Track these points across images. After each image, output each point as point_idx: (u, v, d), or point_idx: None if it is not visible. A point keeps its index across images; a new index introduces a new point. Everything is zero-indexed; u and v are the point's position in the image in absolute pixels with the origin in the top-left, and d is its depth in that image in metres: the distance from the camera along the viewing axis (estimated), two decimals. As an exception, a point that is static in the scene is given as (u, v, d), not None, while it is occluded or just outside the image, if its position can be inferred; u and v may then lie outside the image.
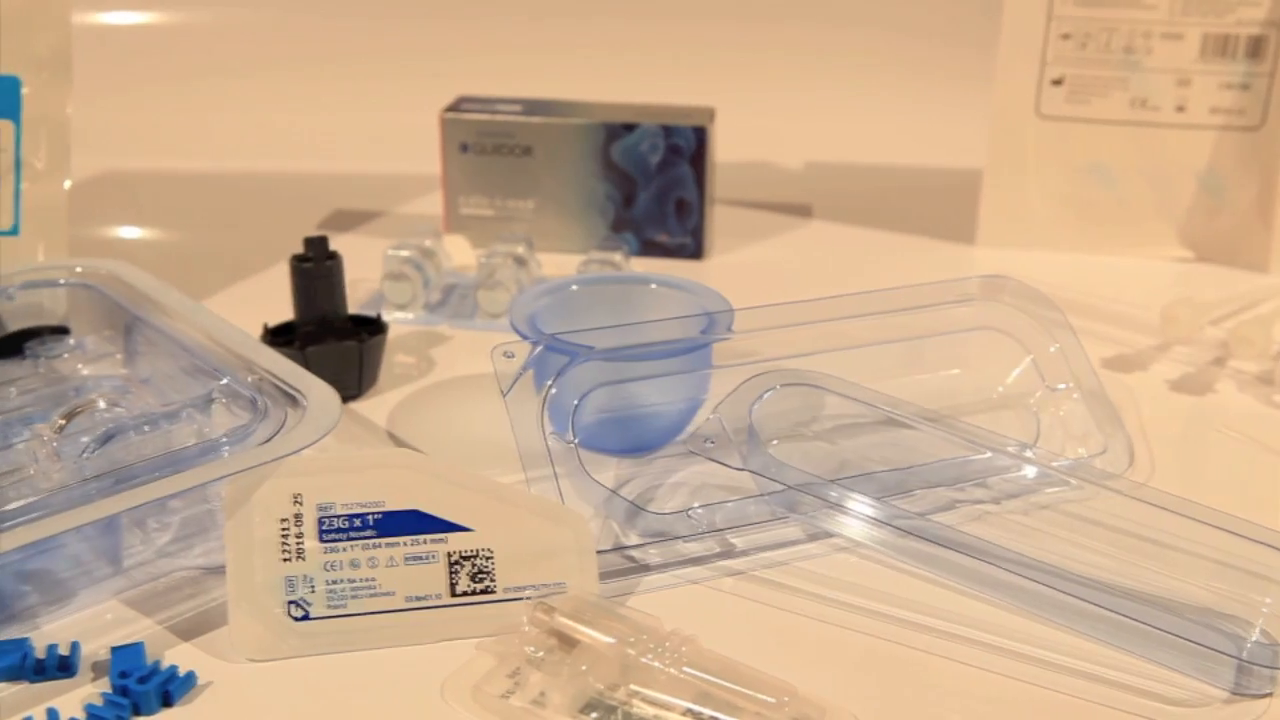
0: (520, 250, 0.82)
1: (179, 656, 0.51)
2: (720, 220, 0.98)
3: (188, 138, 1.22)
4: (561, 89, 0.99)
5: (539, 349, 0.60)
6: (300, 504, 0.53)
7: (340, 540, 0.53)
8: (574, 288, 0.69)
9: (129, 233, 1.02)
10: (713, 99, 0.96)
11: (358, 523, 0.53)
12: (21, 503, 0.52)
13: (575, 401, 0.59)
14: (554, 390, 0.59)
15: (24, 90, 0.76)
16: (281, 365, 0.60)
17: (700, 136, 0.88)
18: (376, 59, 1.28)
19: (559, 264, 0.88)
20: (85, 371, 0.68)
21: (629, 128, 0.89)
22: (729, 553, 0.59)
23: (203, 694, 0.49)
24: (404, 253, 0.82)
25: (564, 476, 0.58)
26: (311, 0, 1.31)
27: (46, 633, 0.52)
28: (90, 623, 0.53)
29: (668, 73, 1.24)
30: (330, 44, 1.31)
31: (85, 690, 0.49)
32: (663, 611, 0.52)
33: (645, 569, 0.57)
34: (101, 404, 0.60)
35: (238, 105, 1.23)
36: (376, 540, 0.53)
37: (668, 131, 0.89)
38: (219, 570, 0.57)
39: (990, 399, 0.69)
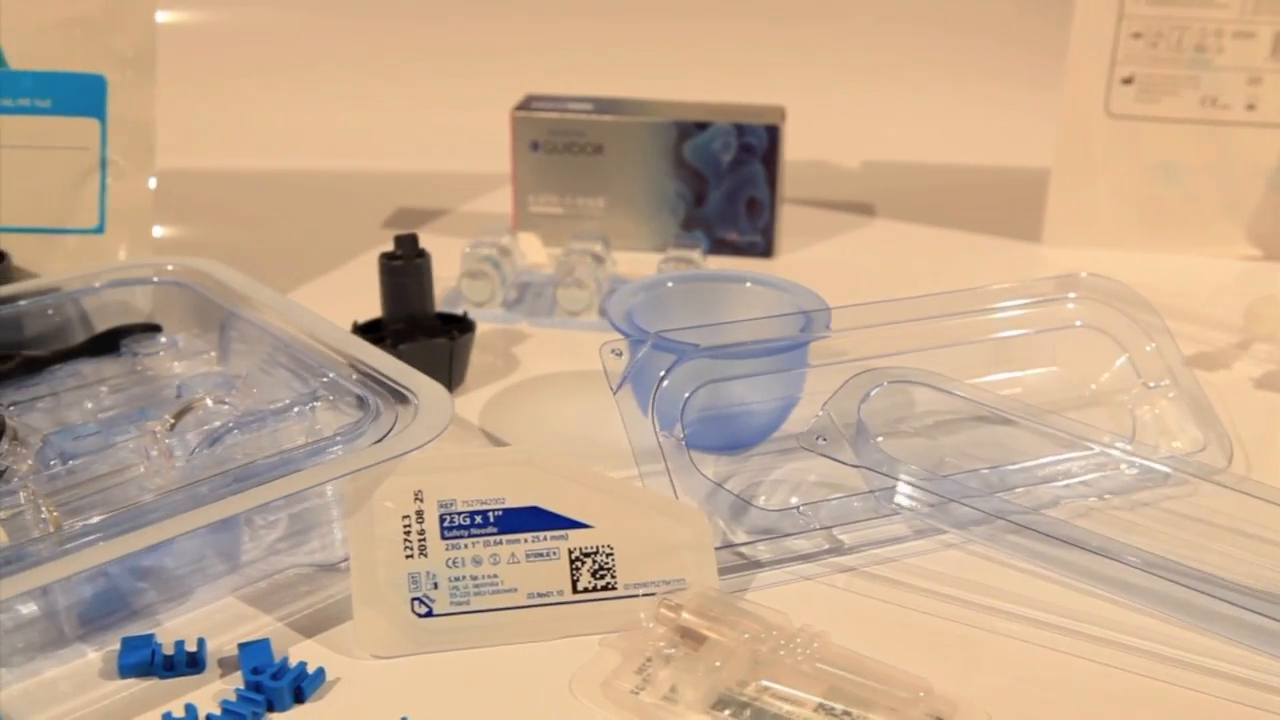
0: (598, 248, 0.82)
1: (302, 653, 0.51)
2: (785, 219, 0.98)
3: (250, 136, 1.22)
4: (616, 87, 0.99)
5: (647, 347, 0.60)
6: (421, 501, 0.53)
7: (462, 537, 0.53)
8: (669, 284, 0.69)
9: (192, 232, 1.02)
10: (771, 97, 0.97)
11: (479, 520, 0.53)
12: (147, 500, 0.52)
13: (686, 395, 0.59)
14: (662, 387, 0.59)
15: (109, 89, 0.76)
16: (387, 362, 0.60)
17: (773, 135, 0.88)
18: (433, 58, 1.29)
19: (631, 262, 0.89)
20: (178, 369, 0.69)
21: (701, 126, 0.89)
22: (838, 549, 0.59)
23: (332, 690, 0.49)
24: (482, 250, 0.82)
25: (664, 474, 0.58)
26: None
27: (167, 629, 0.53)
28: (210, 619, 0.53)
29: (724, 70, 1.24)
30: (387, 43, 1.31)
31: (215, 686, 0.49)
32: (779, 607, 0.52)
33: (756, 565, 0.57)
34: (209, 402, 0.61)
35: (297, 103, 1.23)
36: (498, 537, 0.53)
37: (740, 130, 0.89)
38: (331, 567, 0.57)
39: (1082, 396, 0.69)
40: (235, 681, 0.50)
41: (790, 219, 0.99)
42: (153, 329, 0.70)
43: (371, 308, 0.73)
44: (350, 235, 0.97)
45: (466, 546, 0.53)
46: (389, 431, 0.55)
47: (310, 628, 0.53)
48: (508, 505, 0.53)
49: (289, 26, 1.30)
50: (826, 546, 0.59)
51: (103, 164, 0.76)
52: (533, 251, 0.88)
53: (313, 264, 0.91)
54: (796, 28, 1.29)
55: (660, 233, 0.92)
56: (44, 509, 0.51)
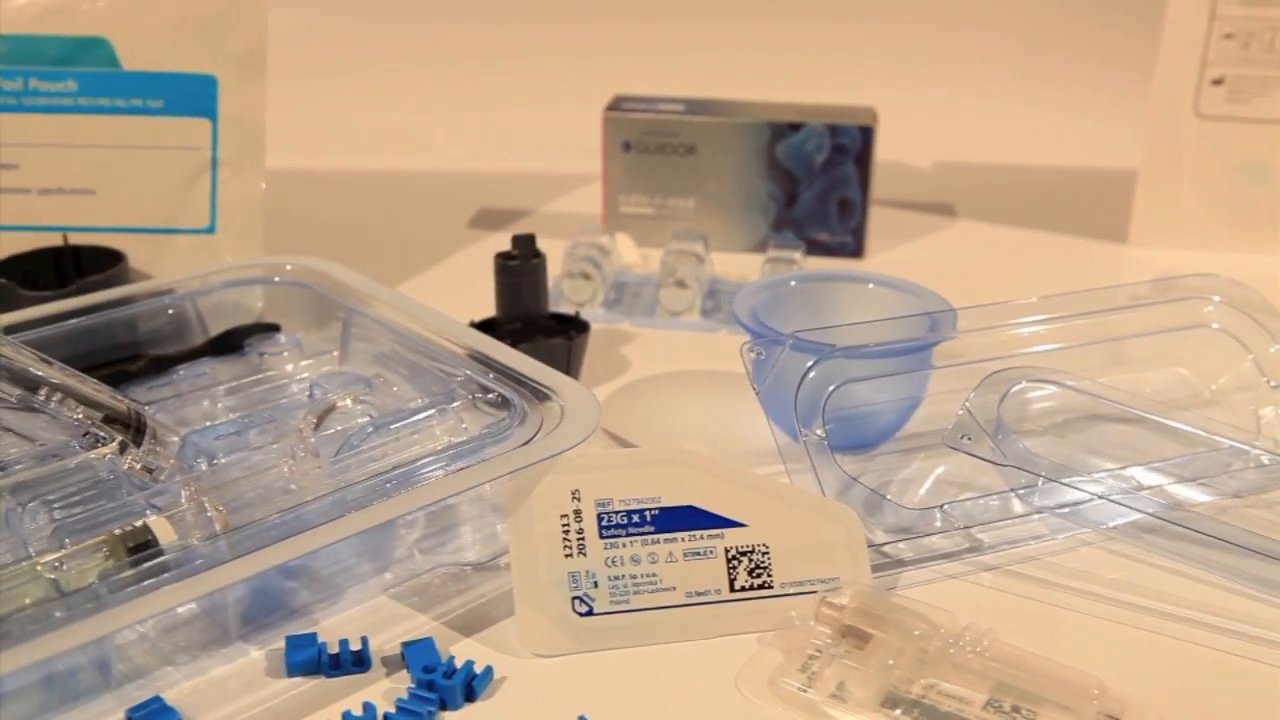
0: (698, 248, 0.82)
1: (461, 652, 0.51)
2: (871, 219, 0.98)
3: (330, 136, 1.22)
4: (686, 88, 1.00)
5: (785, 348, 0.60)
6: (579, 500, 0.53)
7: (620, 536, 0.53)
8: (791, 284, 0.69)
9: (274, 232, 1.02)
10: (851, 97, 0.97)
11: (636, 518, 0.53)
12: (310, 500, 0.52)
13: (828, 392, 0.59)
14: (800, 387, 0.59)
15: (220, 89, 0.76)
16: (523, 361, 0.60)
17: (867, 136, 0.89)
18: (508, 59, 1.29)
19: (724, 262, 0.88)
20: (302, 369, 0.69)
21: (794, 127, 0.89)
22: (977, 548, 0.59)
23: (501, 688, 0.49)
24: (581, 250, 0.82)
25: (801, 472, 0.58)
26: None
27: (323, 629, 0.53)
28: (364, 619, 0.53)
29: (807, 71, 1.24)
30: (469, 45, 1.31)
31: (383, 685, 0.49)
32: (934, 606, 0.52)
33: (900, 564, 0.57)
34: (348, 402, 0.61)
35: (375, 103, 1.23)
36: (655, 536, 0.53)
37: (834, 131, 0.89)
38: (480, 566, 0.57)
39: (1202, 396, 0.69)
40: (402, 680, 0.50)
41: (874, 219, 0.99)
42: (272, 328, 0.70)
43: (464, 307, 0.73)
44: (436, 236, 0.97)
45: (624, 545, 0.53)
46: (538, 431, 0.55)
47: (466, 627, 0.53)
48: (663, 504, 0.54)
49: (370, 27, 1.30)
50: (966, 545, 0.59)
51: (213, 164, 0.76)
52: (627, 252, 0.88)
53: (401, 265, 0.91)
54: (876, 28, 1.29)
55: (750, 233, 0.92)
56: (209, 507, 0.51)
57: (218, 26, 0.76)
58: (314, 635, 0.51)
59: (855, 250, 0.92)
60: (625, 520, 0.53)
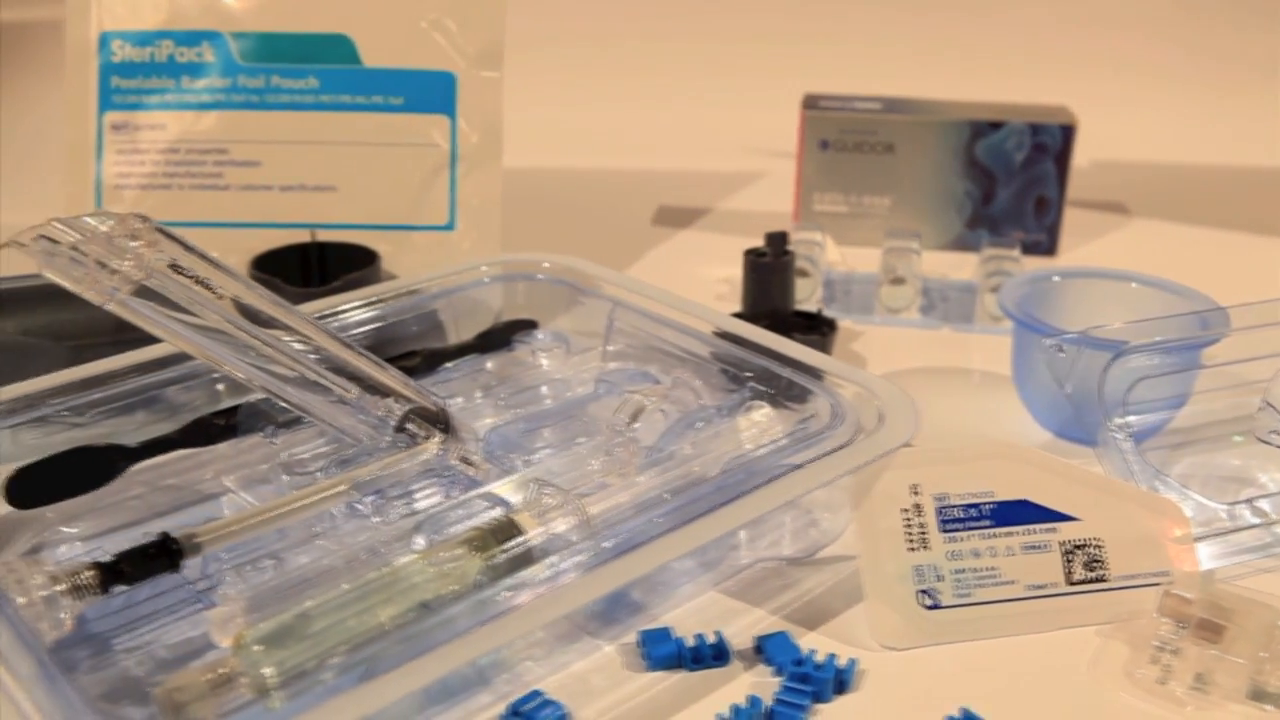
0: (915, 245, 0.83)
1: (807, 645, 0.51)
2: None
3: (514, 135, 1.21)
4: (868, 84, 1.00)
5: (1078, 347, 0.61)
6: (918, 495, 0.53)
7: (959, 530, 0.53)
8: (1055, 279, 0.69)
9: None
10: (1023, 96, 0.97)
11: (974, 512, 0.54)
12: (667, 495, 0.52)
13: (1129, 385, 0.60)
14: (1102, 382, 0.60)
15: (459, 86, 0.76)
16: (817, 358, 0.61)
17: (1067, 135, 0.89)
18: (680, 58, 1.28)
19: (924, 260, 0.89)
20: (560, 365, 0.69)
21: (995, 125, 0.90)
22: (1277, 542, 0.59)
23: (864, 681, 0.50)
24: (802, 248, 0.82)
25: (1128, 466, 0.59)
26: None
27: (664, 623, 0.53)
28: (701, 613, 0.54)
29: (982, 69, 1.24)
30: (641, 44, 1.31)
31: (745, 679, 0.50)
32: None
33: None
34: (655, 401, 0.61)
35: (554, 101, 1.22)
36: (993, 530, 0.54)
37: (1034, 130, 0.89)
38: (796, 561, 0.57)
39: None
40: (760, 673, 0.50)
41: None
42: (530, 325, 0.70)
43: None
44: (624, 234, 0.98)
45: (964, 539, 0.53)
46: (856, 427, 0.55)
47: (805, 620, 0.53)
48: (998, 498, 0.54)
49: (549, 28, 1.29)
50: (1268, 539, 0.59)
51: (452, 160, 0.76)
52: (830, 249, 0.88)
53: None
54: (1058, 28, 1.29)
55: (944, 231, 0.93)
56: (564, 501, 0.51)
57: (457, 24, 0.76)
58: (668, 630, 0.51)
59: (1049, 248, 0.92)
60: (963, 514, 0.53)
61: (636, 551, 0.47)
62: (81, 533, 0.56)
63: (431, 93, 0.76)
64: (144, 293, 0.49)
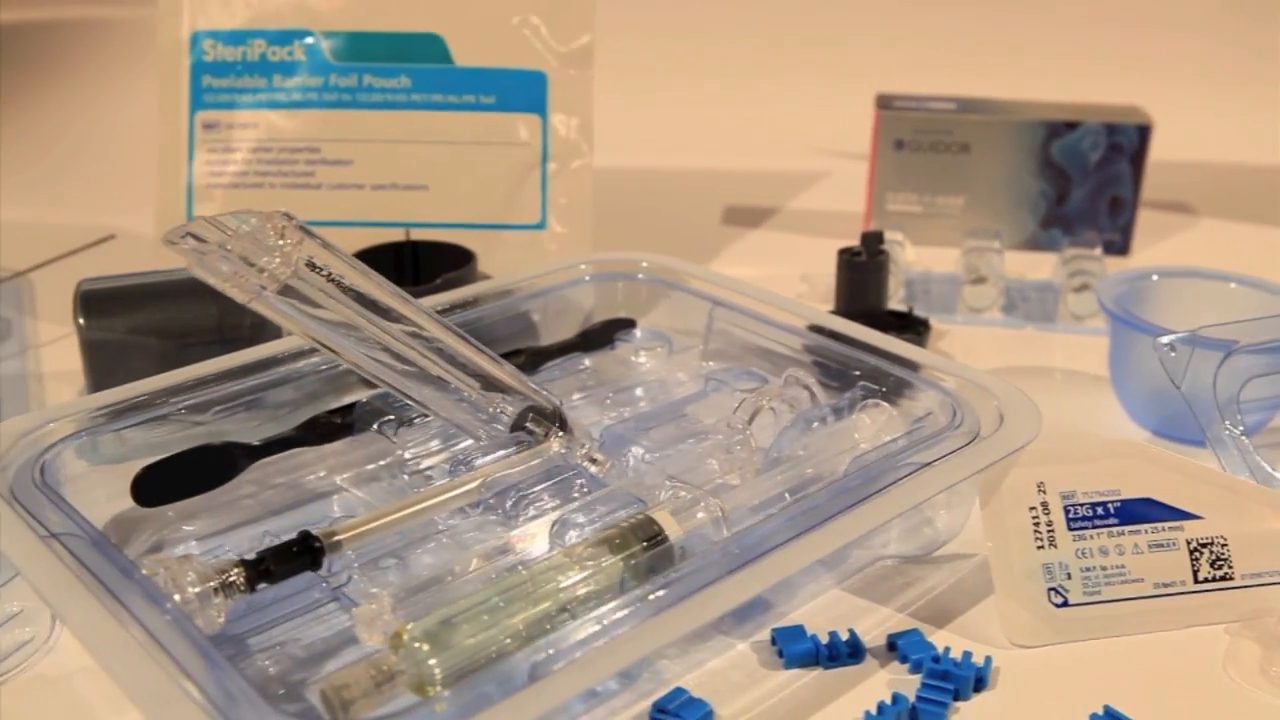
0: (996, 245, 0.83)
1: (938, 642, 0.51)
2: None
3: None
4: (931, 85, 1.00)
5: (1193, 344, 0.61)
6: (1044, 493, 0.54)
7: (1087, 528, 0.53)
8: (1154, 278, 0.70)
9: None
10: (1087, 95, 0.97)
11: (1100, 510, 0.54)
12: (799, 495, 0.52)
13: (1242, 384, 0.60)
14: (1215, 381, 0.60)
15: (549, 85, 0.76)
16: (927, 357, 0.61)
17: (1143, 135, 0.89)
18: (743, 58, 1.28)
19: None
20: (661, 364, 0.69)
21: (1071, 126, 0.90)
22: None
23: (1000, 678, 0.50)
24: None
25: (1245, 465, 0.59)
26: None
27: (792, 622, 0.53)
28: (827, 611, 0.54)
29: (1046, 68, 1.24)
30: (698, 45, 1.31)
31: (881, 675, 0.50)
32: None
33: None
34: (775, 402, 0.61)
35: (618, 101, 1.23)
36: (1120, 528, 0.54)
37: (1110, 130, 0.89)
38: (912, 559, 0.58)
39: None
40: (895, 670, 0.50)
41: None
42: (629, 324, 0.70)
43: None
44: (697, 233, 0.98)
45: (1092, 537, 0.53)
46: (977, 426, 0.55)
47: (931, 618, 0.53)
48: (1123, 497, 0.54)
49: (614, 27, 1.29)
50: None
51: (543, 159, 0.76)
52: (908, 249, 0.88)
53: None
54: (1125, 29, 1.29)
55: (1017, 231, 0.93)
56: (711, 505, 0.51)
57: (548, 23, 0.76)
58: (803, 628, 0.51)
59: (1122, 248, 0.92)
60: (1090, 512, 0.54)
61: (783, 549, 0.47)
62: (198, 531, 0.57)
63: (523, 91, 0.76)
64: (282, 289, 0.49)
